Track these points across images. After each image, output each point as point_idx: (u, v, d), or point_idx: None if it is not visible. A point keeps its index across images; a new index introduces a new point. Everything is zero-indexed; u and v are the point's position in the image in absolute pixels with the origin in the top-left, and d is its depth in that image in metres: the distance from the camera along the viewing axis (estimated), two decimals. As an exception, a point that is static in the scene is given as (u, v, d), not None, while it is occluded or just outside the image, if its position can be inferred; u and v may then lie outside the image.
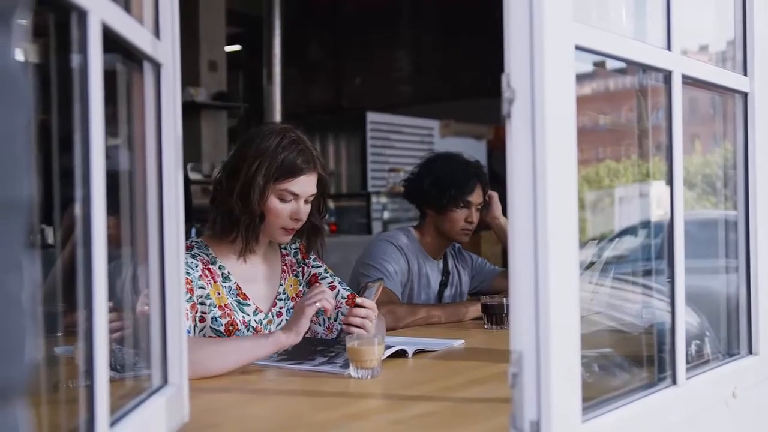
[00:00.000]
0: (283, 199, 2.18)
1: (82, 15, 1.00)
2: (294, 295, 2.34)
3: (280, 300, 2.31)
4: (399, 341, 2.19)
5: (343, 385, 1.81)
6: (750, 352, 1.81)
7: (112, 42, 1.11)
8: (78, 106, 1.01)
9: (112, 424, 1.08)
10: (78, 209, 1.02)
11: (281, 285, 2.33)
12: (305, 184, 2.20)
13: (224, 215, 2.19)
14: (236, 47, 9.51)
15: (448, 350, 2.26)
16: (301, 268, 2.39)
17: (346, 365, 1.90)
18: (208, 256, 2.20)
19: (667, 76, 1.53)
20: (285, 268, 2.36)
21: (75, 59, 1.02)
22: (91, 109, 1.01)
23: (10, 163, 0.55)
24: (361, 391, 1.77)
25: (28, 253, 0.59)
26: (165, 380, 1.37)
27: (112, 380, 1.06)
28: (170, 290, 1.38)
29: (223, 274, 2.20)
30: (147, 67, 1.34)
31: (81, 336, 1.02)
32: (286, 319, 2.27)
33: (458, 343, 2.34)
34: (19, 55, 0.59)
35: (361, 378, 1.85)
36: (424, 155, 3.22)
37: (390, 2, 9.45)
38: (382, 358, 1.92)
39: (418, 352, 2.16)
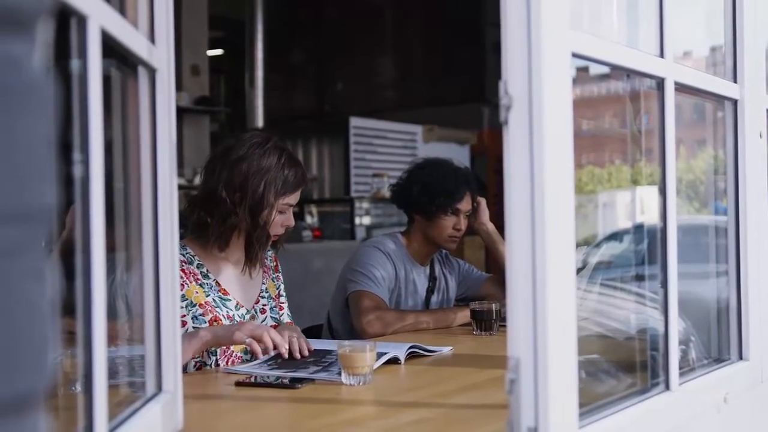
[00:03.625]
0: (281, 212, 2.29)
1: (82, 20, 0.99)
2: (274, 296, 2.44)
3: (263, 297, 2.39)
4: (389, 347, 2.18)
5: (335, 392, 1.80)
6: (740, 357, 1.82)
7: (108, 47, 1.11)
8: (77, 111, 1.00)
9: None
10: (77, 214, 1.01)
11: (263, 284, 2.41)
12: (299, 195, 2.34)
13: (229, 229, 2.25)
14: (218, 51, 9.49)
15: (438, 357, 2.26)
16: (276, 275, 2.50)
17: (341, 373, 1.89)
18: (184, 255, 2.23)
19: (660, 83, 1.54)
20: (266, 269, 2.45)
21: (73, 64, 1.02)
22: (90, 114, 1.00)
23: (34, 171, 0.55)
24: (353, 398, 1.77)
25: (49, 261, 0.59)
26: (159, 388, 1.36)
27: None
28: (164, 297, 1.37)
29: (201, 272, 2.26)
30: (142, 73, 1.33)
31: (79, 343, 1.01)
32: (271, 317, 2.38)
33: (447, 350, 2.34)
34: (41, 62, 0.58)
35: (353, 385, 1.84)
36: (414, 160, 3.21)
37: (373, 8, 9.46)
38: (376, 366, 1.91)
39: (411, 354, 2.16)
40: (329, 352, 2.14)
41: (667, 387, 1.52)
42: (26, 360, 0.55)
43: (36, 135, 0.55)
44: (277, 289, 2.47)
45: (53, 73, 0.60)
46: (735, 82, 1.83)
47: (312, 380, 1.88)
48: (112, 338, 1.41)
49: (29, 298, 0.54)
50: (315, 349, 2.17)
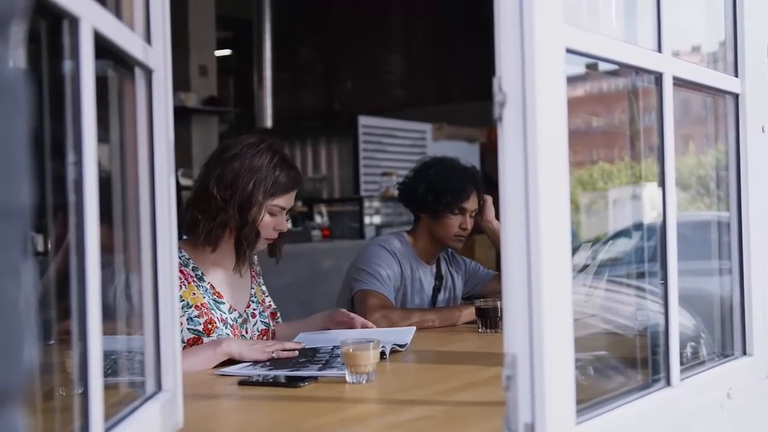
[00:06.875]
0: (272, 214, 2.31)
1: (74, 22, 1.00)
2: (261, 300, 2.48)
3: (253, 302, 2.43)
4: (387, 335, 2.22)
5: (338, 390, 1.80)
6: (744, 353, 1.81)
7: (103, 48, 1.11)
8: (70, 112, 1.01)
9: (107, 430, 1.08)
10: (70, 216, 1.02)
11: (252, 288, 2.46)
12: (292, 199, 2.36)
13: (218, 227, 2.27)
14: (226, 51, 9.50)
15: (442, 354, 2.27)
16: (261, 279, 2.54)
17: (343, 368, 1.89)
18: (180, 258, 2.25)
19: (658, 77, 1.54)
20: (254, 274, 2.49)
21: (66, 65, 1.02)
22: (83, 115, 1.01)
23: (10, 169, 0.56)
24: (356, 396, 1.77)
25: (26, 258, 0.60)
26: (159, 386, 1.37)
27: (105, 386, 1.06)
28: (163, 297, 1.38)
29: (197, 275, 2.30)
30: (138, 73, 1.34)
31: (75, 343, 1.01)
32: (260, 320, 2.43)
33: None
34: (16, 62, 0.59)
35: (356, 383, 1.84)
36: (421, 159, 3.21)
37: (381, 5, 9.46)
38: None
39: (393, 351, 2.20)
40: (318, 350, 2.18)
41: (668, 383, 1.52)
42: (1, 356, 0.55)
43: (11, 134, 0.56)
44: (263, 294, 2.51)
45: (29, 73, 0.60)
46: (736, 76, 1.82)
47: (315, 378, 1.88)
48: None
49: (5, 294, 0.55)
50: (305, 348, 2.19)
